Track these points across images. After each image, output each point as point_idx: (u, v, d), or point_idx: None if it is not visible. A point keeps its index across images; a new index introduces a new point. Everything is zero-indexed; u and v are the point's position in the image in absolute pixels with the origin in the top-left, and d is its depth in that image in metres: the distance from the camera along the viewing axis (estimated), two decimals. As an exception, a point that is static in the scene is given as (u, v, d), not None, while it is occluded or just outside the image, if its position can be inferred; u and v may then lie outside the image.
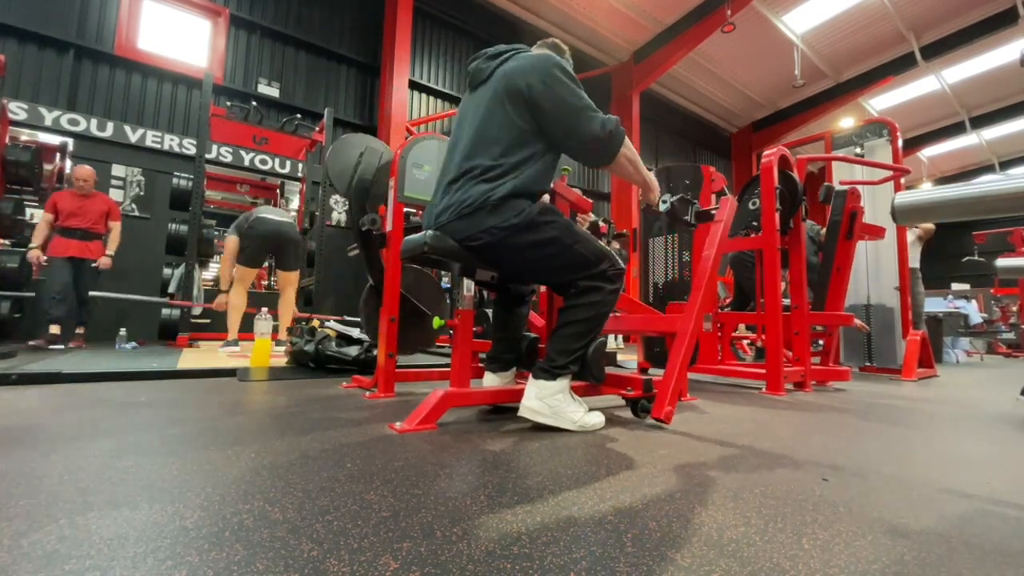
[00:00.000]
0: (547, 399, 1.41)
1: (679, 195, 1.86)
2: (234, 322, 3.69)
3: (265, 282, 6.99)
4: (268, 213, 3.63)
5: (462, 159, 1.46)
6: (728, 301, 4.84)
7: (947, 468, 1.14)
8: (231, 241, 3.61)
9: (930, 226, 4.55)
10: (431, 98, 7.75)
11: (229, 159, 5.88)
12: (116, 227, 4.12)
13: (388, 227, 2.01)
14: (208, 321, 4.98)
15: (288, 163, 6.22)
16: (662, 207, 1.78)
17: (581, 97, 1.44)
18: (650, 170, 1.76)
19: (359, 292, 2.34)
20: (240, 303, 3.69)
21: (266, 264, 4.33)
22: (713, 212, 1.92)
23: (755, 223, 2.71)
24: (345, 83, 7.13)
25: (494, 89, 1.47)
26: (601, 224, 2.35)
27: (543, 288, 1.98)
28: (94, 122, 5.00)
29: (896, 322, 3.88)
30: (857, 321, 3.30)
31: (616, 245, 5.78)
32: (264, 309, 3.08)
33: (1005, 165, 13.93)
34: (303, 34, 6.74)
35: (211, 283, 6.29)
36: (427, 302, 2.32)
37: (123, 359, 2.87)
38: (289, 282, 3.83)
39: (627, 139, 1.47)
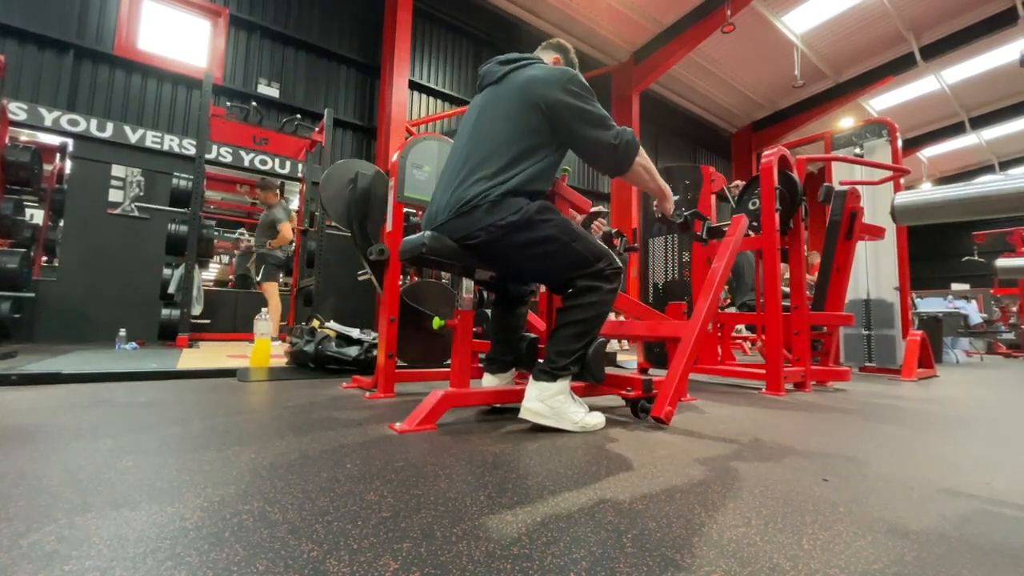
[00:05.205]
0: (548, 400, 1.41)
1: (692, 210, 2.02)
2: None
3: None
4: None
5: (464, 160, 1.47)
6: (728, 302, 4.83)
7: (947, 468, 1.14)
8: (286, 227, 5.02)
9: None
10: (431, 98, 7.74)
11: (229, 159, 5.88)
12: None
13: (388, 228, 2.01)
14: (208, 322, 4.99)
15: (288, 163, 6.21)
16: (677, 220, 1.90)
17: (595, 109, 1.50)
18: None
19: (358, 292, 2.33)
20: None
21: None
22: (725, 229, 2.09)
23: (755, 223, 2.71)
24: (345, 83, 7.12)
25: (509, 94, 1.49)
26: (614, 237, 2.41)
27: (543, 288, 1.98)
28: (94, 122, 4.99)
29: (896, 322, 3.87)
30: None
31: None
32: (264, 310, 3.14)
33: (1005, 165, 13.92)
34: (303, 34, 6.72)
35: (211, 283, 6.29)
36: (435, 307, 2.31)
37: (123, 359, 2.87)
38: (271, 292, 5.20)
39: (642, 149, 1.55)
